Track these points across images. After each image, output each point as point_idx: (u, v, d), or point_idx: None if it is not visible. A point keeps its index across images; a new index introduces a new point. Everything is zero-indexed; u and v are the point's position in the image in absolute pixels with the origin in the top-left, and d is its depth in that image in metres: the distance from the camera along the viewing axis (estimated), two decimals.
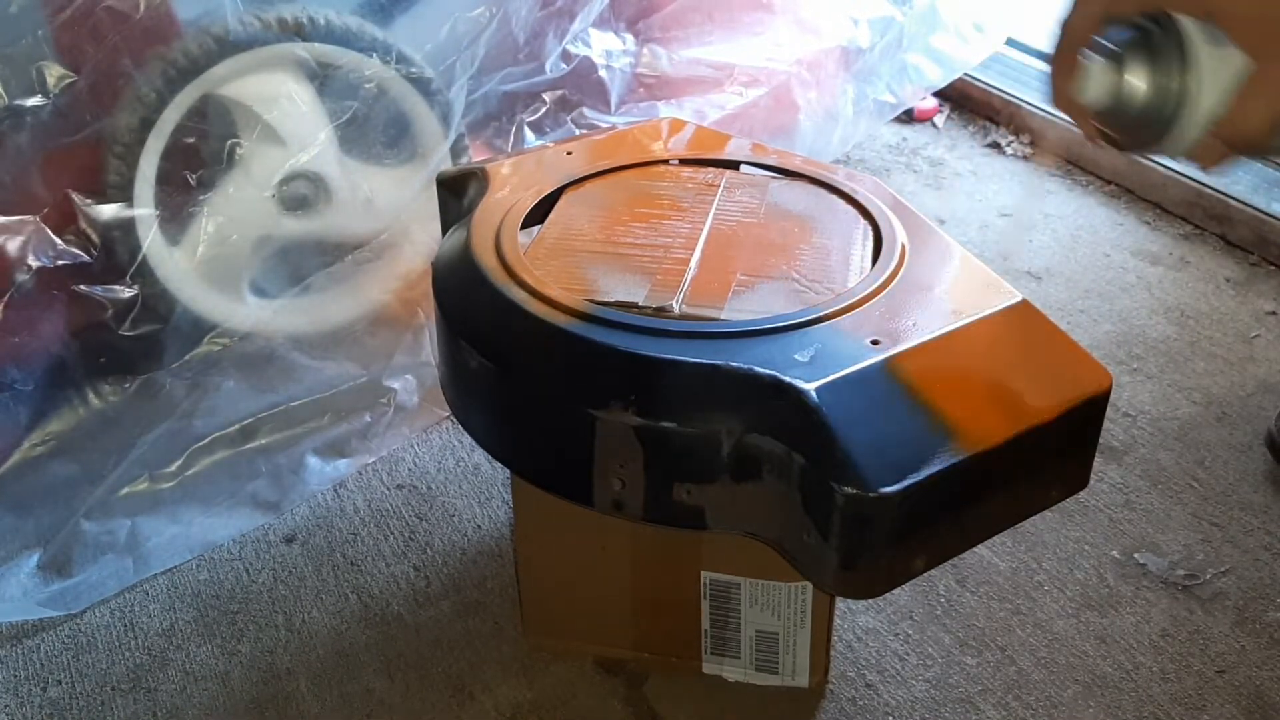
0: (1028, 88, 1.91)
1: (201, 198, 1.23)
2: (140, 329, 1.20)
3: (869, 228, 0.97)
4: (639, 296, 0.87)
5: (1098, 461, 1.21)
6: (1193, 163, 0.66)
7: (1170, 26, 0.64)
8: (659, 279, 0.89)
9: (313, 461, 1.23)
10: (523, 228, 0.97)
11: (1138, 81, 0.64)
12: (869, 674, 1.03)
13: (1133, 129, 0.66)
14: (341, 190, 1.28)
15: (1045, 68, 0.69)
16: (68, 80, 1.12)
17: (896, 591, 1.07)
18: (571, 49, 1.43)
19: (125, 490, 1.17)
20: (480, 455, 1.27)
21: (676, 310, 0.86)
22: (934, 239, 0.94)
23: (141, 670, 1.05)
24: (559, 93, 1.45)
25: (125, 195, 1.18)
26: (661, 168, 1.07)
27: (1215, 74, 0.62)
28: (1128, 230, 1.66)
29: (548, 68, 1.41)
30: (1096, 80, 0.65)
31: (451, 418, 1.29)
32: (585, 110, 1.47)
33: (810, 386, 0.77)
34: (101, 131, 1.16)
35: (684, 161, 1.08)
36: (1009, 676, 1.02)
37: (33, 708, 1.02)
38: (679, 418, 0.79)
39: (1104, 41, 0.66)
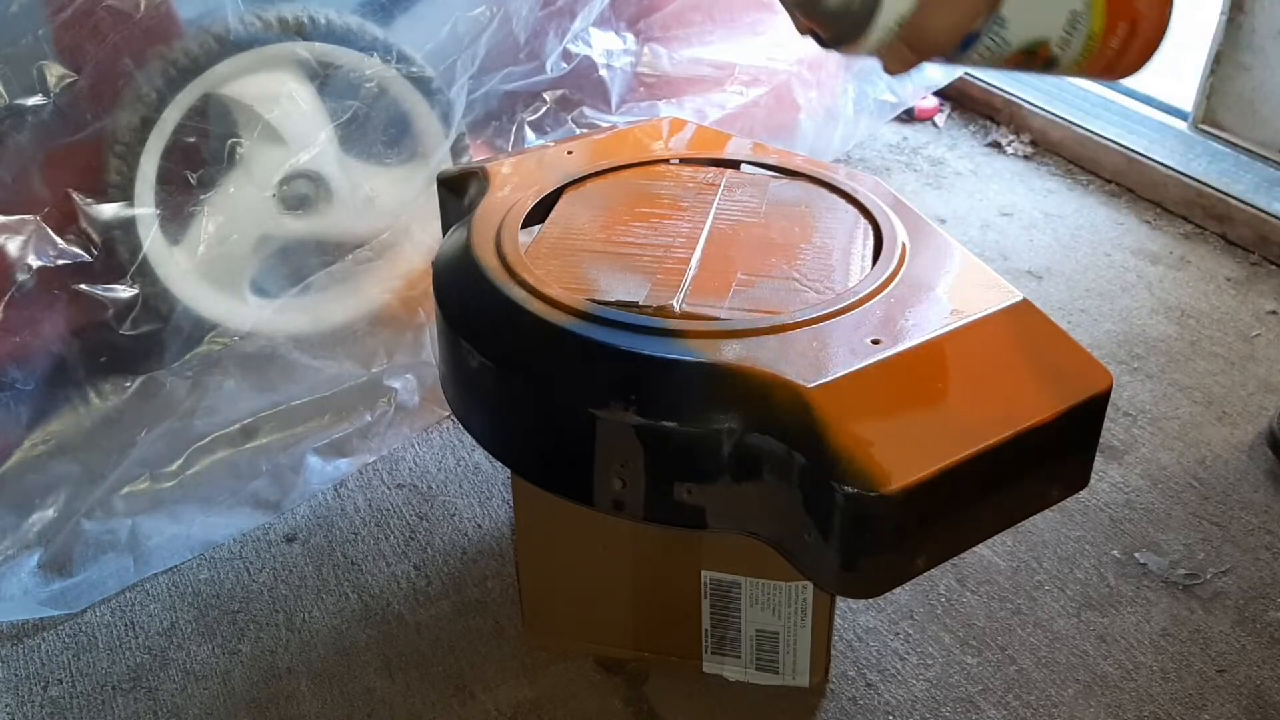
0: (1028, 87, 1.91)
1: (202, 197, 1.23)
2: (141, 328, 1.20)
3: (869, 227, 0.97)
4: (640, 296, 0.87)
5: (1098, 461, 1.21)
6: (881, 63, 0.66)
7: None
8: (659, 278, 0.89)
9: (313, 461, 1.23)
10: (523, 227, 0.97)
11: None
12: (869, 673, 1.03)
13: (831, 23, 0.65)
14: (342, 190, 1.28)
15: None
16: (68, 80, 1.12)
17: (897, 591, 1.07)
18: (572, 48, 1.43)
19: (126, 489, 1.17)
20: (481, 454, 1.27)
21: (677, 309, 0.86)
22: (934, 238, 0.94)
23: (142, 669, 1.05)
24: (559, 92, 1.45)
25: (126, 195, 1.18)
26: (662, 167, 1.07)
27: None
28: (1128, 229, 1.66)
29: (548, 67, 1.41)
30: None
31: (452, 417, 1.29)
32: (586, 110, 1.47)
33: (811, 386, 0.77)
34: (102, 131, 1.16)
35: (684, 161, 1.08)
36: (1009, 676, 1.02)
37: (33, 707, 1.02)
38: (680, 417, 0.79)
39: None
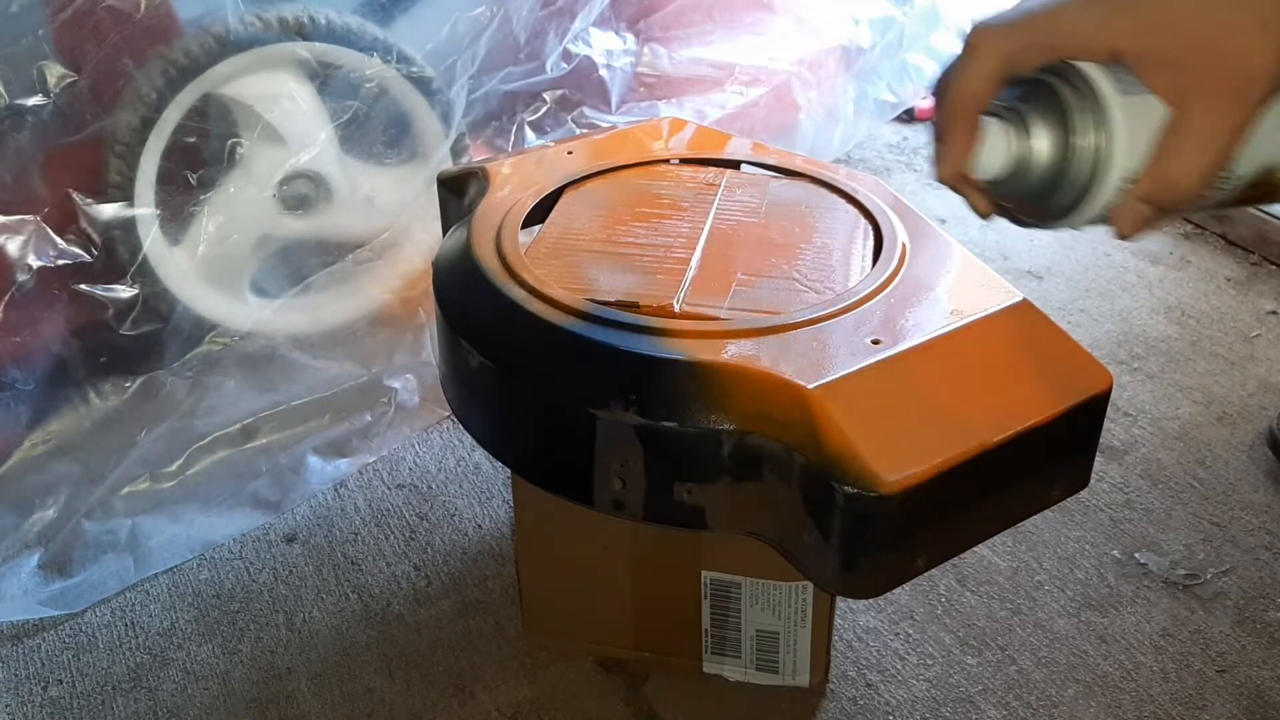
0: None
1: (202, 197, 1.23)
2: (141, 328, 1.20)
3: (869, 227, 0.97)
4: (640, 296, 0.87)
5: (1098, 461, 1.21)
6: (1111, 229, 0.58)
7: (1076, 79, 0.55)
8: (659, 278, 0.89)
9: (313, 461, 1.23)
10: (523, 227, 0.97)
11: (1042, 144, 0.57)
12: (869, 673, 1.03)
13: (1038, 198, 0.58)
14: (342, 190, 1.28)
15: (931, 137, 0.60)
16: (68, 80, 1.12)
17: (897, 591, 1.07)
18: (572, 48, 1.43)
19: (126, 490, 1.17)
20: (481, 455, 1.27)
21: (677, 309, 0.86)
22: (934, 238, 0.94)
23: (142, 670, 1.05)
24: (559, 92, 1.44)
25: (126, 195, 1.18)
26: (662, 167, 1.07)
27: (1131, 127, 0.54)
28: None
29: (548, 67, 1.41)
30: (994, 147, 0.57)
31: (452, 417, 1.29)
32: (586, 110, 1.47)
33: (811, 386, 0.77)
34: (102, 131, 1.16)
35: (684, 161, 1.08)
36: (1009, 676, 1.02)
37: (33, 707, 1.02)
38: (680, 417, 0.79)
39: (1000, 103, 0.57)
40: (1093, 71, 0.54)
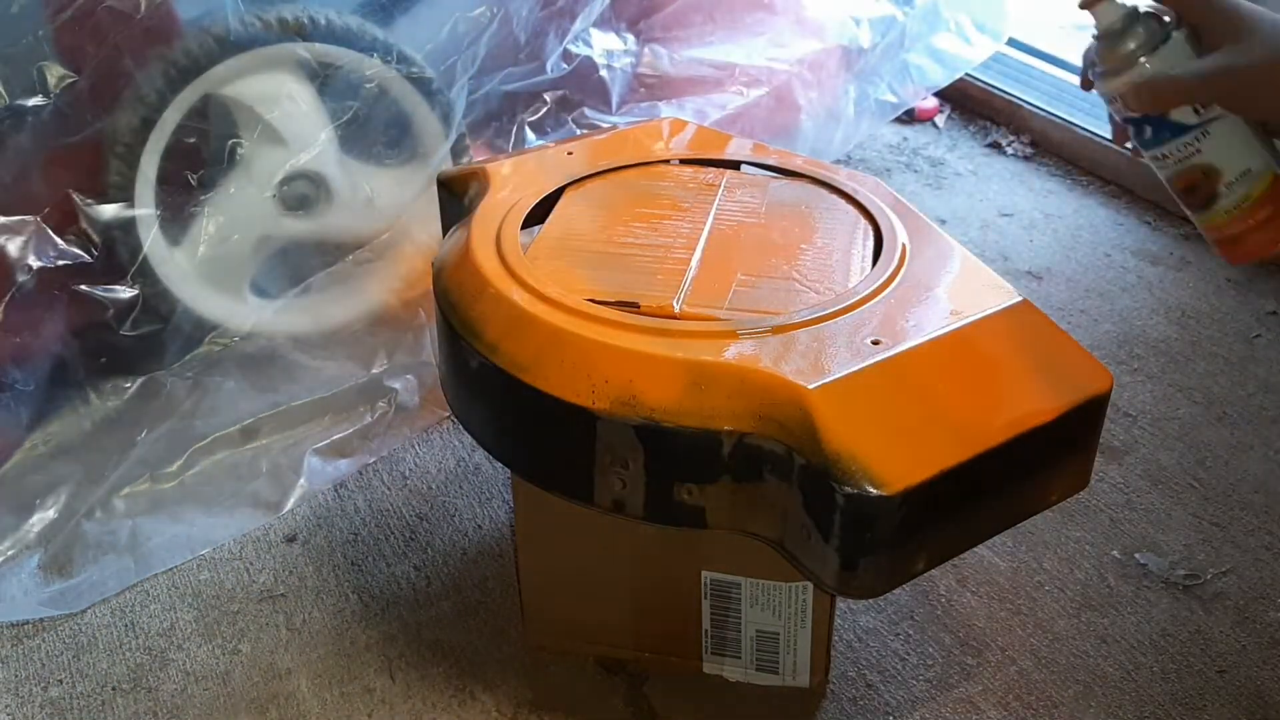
0: (1029, 88, 1.91)
1: (202, 198, 1.23)
2: (141, 329, 1.20)
3: (870, 228, 0.97)
4: (640, 296, 0.87)
5: (1098, 461, 1.21)
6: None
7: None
8: (660, 279, 0.89)
9: (313, 461, 1.23)
10: (523, 228, 0.97)
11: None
12: (869, 674, 1.03)
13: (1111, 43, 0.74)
14: (342, 190, 1.28)
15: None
16: (69, 80, 1.12)
17: (897, 591, 1.07)
18: (572, 49, 1.43)
19: (126, 490, 1.17)
20: (481, 455, 1.27)
21: (677, 310, 0.86)
22: (935, 239, 0.95)
23: (142, 670, 1.05)
24: (560, 93, 1.45)
25: (126, 195, 1.18)
26: (662, 168, 1.07)
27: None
28: (1128, 230, 1.66)
29: (549, 68, 1.41)
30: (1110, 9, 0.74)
31: (452, 418, 1.29)
32: (586, 110, 1.47)
33: (811, 386, 0.77)
34: (102, 131, 1.16)
35: (685, 161, 1.08)
36: (1009, 676, 1.02)
37: (33, 707, 1.02)
38: (680, 417, 0.79)
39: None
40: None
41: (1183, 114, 0.74)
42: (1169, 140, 0.75)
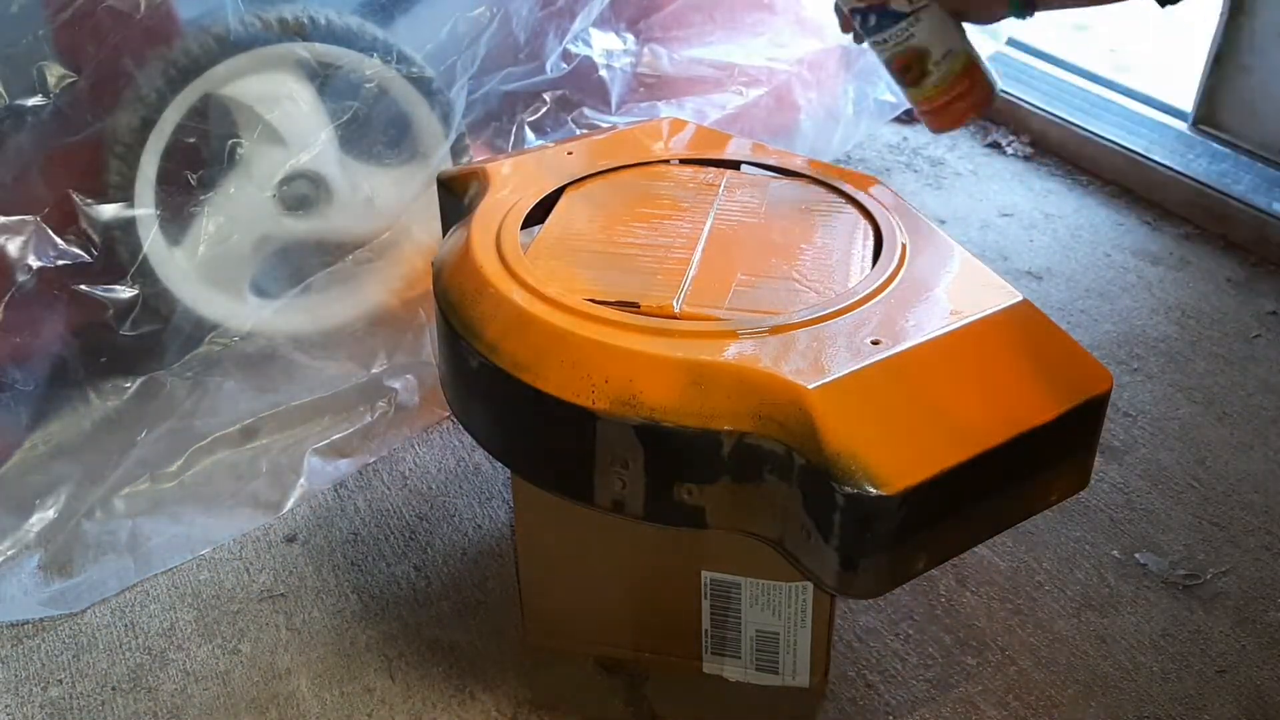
0: (1028, 88, 1.91)
1: (202, 197, 1.23)
2: (141, 329, 1.20)
3: (869, 228, 0.97)
4: (640, 296, 0.87)
5: (1098, 461, 1.21)
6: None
7: None
8: (660, 279, 0.89)
9: (313, 461, 1.23)
10: (523, 227, 0.97)
11: None
12: (869, 674, 1.03)
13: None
14: (342, 190, 1.28)
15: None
16: (68, 80, 1.12)
17: (897, 591, 1.07)
18: (572, 49, 1.43)
19: (126, 490, 1.17)
20: (480, 455, 1.27)
21: (677, 310, 0.86)
22: (934, 239, 0.95)
23: (142, 670, 1.05)
24: (559, 92, 1.45)
25: (126, 195, 1.18)
26: (662, 168, 1.07)
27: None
28: (1128, 230, 1.66)
29: (548, 67, 1.41)
30: None
31: (452, 418, 1.29)
32: (586, 110, 1.47)
33: (811, 386, 0.77)
34: (102, 131, 1.16)
35: (685, 161, 1.08)
36: (1009, 676, 1.02)
37: (33, 707, 1.02)
38: (680, 417, 0.79)
39: None
40: None
41: (899, 4, 0.90)
42: (889, 27, 0.91)
